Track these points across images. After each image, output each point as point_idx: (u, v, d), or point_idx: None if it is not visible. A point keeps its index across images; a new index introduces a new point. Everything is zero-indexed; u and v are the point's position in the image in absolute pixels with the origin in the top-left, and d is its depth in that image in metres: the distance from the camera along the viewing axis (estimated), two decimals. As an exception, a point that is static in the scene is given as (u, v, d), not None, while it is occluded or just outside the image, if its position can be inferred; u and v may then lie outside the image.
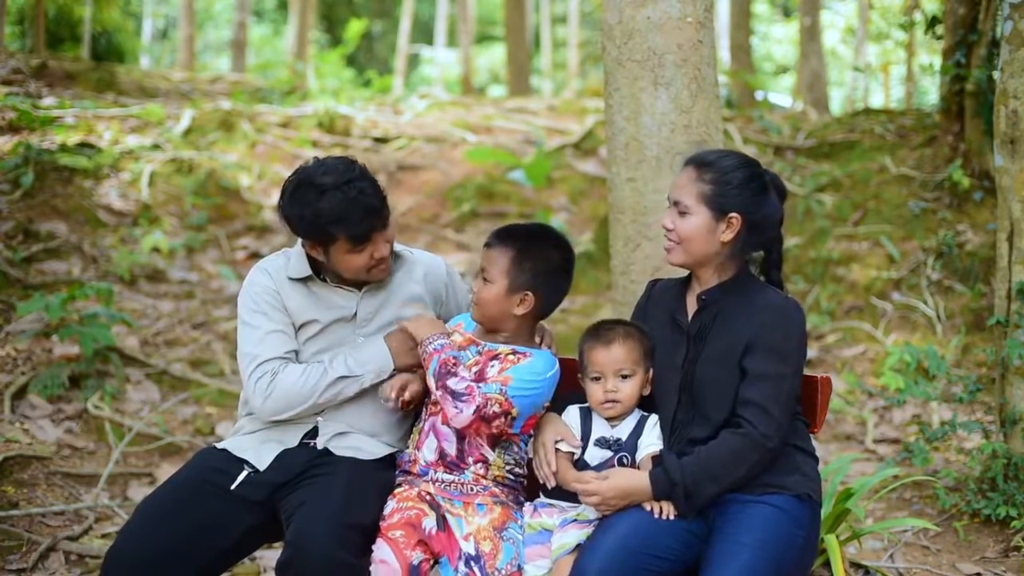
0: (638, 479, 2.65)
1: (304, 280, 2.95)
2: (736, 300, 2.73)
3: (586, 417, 2.81)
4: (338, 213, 2.77)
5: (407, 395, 2.85)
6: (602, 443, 2.75)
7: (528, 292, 2.80)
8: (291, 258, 2.97)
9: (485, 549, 2.68)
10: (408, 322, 2.89)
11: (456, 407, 2.71)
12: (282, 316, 2.91)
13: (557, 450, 2.75)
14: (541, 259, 2.81)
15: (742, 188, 2.70)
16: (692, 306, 2.80)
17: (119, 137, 9.27)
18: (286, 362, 2.87)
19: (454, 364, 2.75)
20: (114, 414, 5.18)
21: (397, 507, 2.73)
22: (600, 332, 2.78)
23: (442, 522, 2.72)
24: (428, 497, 2.76)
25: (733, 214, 2.69)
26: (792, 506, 2.65)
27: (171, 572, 2.67)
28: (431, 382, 2.76)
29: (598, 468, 2.73)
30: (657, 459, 2.69)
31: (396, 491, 2.79)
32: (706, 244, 2.71)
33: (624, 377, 2.73)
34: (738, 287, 2.75)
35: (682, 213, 2.71)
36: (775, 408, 2.62)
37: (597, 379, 2.75)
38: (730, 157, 2.76)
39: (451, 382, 2.73)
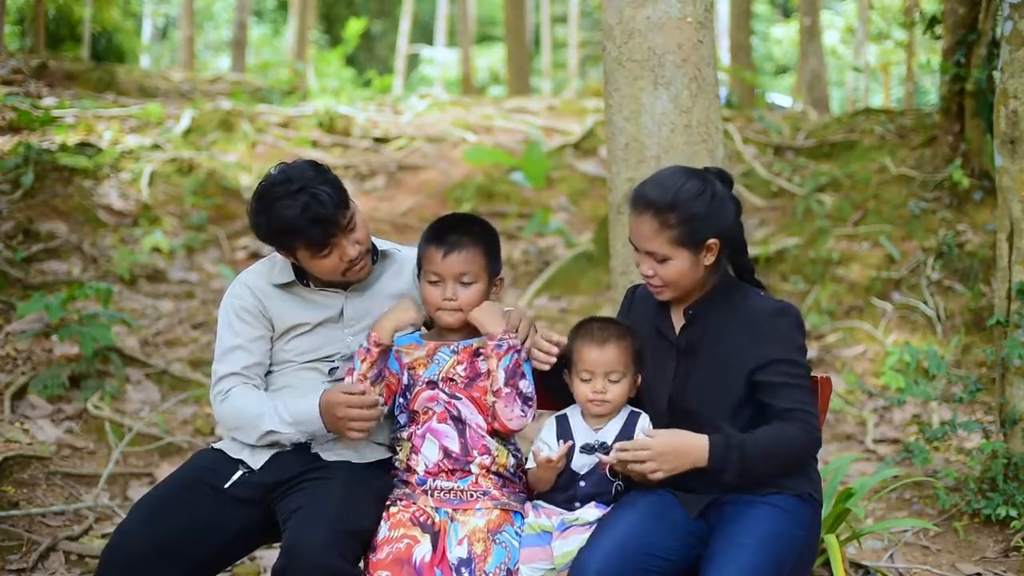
0: (694, 439, 2.58)
1: (289, 284, 2.95)
2: (724, 310, 2.70)
3: (563, 425, 2.77)
4: (288, 223, 2.74)
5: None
6: (587, 449, 2.72)
7: (501, 276, 2.89)
8: (276, 263, 2.96)
9: (477, 551, 2.67)
10: (476, 311, 2.79)
11: (523, 411, 2.73)
12: (249, 330, 2.90)
13: (535, 458, 2.71)
14: (494, 237, 2.87)
15: (709, 213, 2.62)
16: (678, 319, 2.76)
17: (119, 137, 9.28)
18: (244, 383, 2.88)
19: (521, 365, 2.76)
20: (114, 414, 5.18)
21: (387, 536, 2.68)
22: (594, 331, 2.73)
23: (436, 539, 2.68)
24: (423, 516, 2.73)
25: (711, 240, 2.65)
26: (793, 506, 2.64)
27: (166, 569, 2.67)
28: (501, 377, 2.72)
29: (587, 476, 2.71)
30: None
31: (391, 510, 2.75)
32: (693, 276, 2.67)
33: (614, 381, 2.71)
34: (724, 296, 2.73)
35: (661, 261, 2.65)
36: (809, 405, 2.63)
37: (586, 380, 2.72)
38: (682, 185, 2.62)
39: (522, 384, 2.74)
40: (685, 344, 2.73)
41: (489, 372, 2.76)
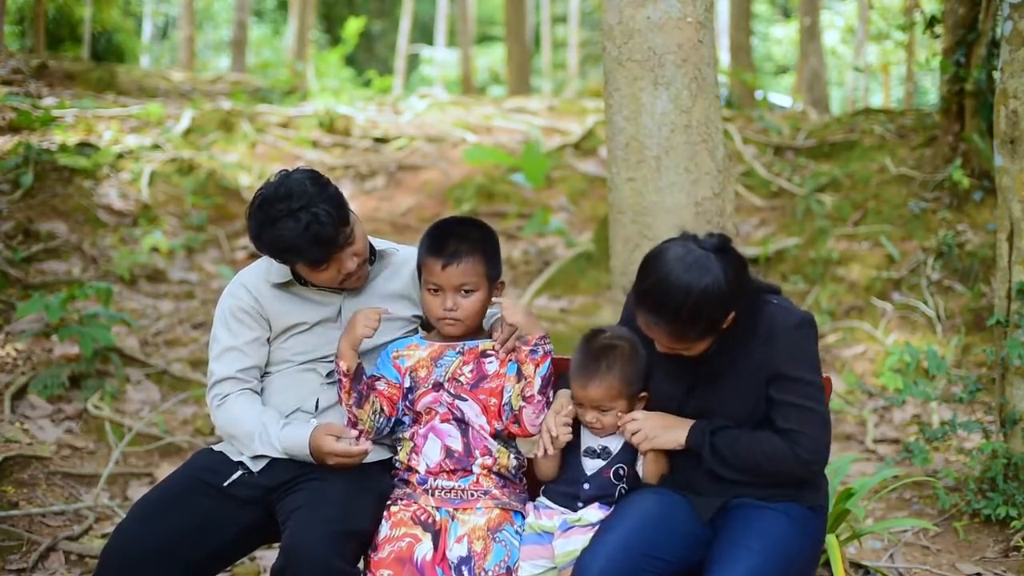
0: (681, 420, 2.65)
1: (286, 284, 2.95)
2: (742, 325, 2.62)
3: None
4: (289, 242, 2.74)
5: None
6: (590, 453, 2.73)
7: (502, 280, 2.88)
8: (274, 263, 2.95)
9: (476, 549, 2.67)
10: (508, 308, 2.77)
11: (542, 421, 2.73)
12: (246, 331, 2.91)
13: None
14: (493, 240, 2.85)
15: (724, 303, 2.51)
16: None
17: (119, 137, 9.28)
18: (241, 389, 2.90)
19: (554, 375, 2.76)
20: (114, 414, 5.18)
21: (389, 535, 2.69)
22: (583, 364, 2.68)
23: (437, 538, 2.69)
24: (424, 515, 2.73)
25: (729, 316, 2.57)
26: (802, 515, 2.64)
27: (165, 569, 2.67)
28: (537, 384, 2.72)
29: (592, 479, 2.71)
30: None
31: (392, 509, 2.76)
32: (714, 339, 2.63)
33: (604, 411, 2.69)
34: (740, 319, 2.64)
35: (686, 349, 2.60)
36: (810, 427, 2.58)
37: (580, 406, 2.71)
38: (691, 290, 2.47)
39: (551, 394, 2.76)
40: (704, 362, 2.66)
41: (498, 375, 2.78)
